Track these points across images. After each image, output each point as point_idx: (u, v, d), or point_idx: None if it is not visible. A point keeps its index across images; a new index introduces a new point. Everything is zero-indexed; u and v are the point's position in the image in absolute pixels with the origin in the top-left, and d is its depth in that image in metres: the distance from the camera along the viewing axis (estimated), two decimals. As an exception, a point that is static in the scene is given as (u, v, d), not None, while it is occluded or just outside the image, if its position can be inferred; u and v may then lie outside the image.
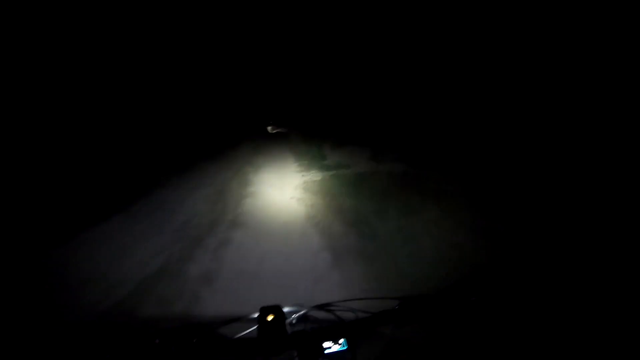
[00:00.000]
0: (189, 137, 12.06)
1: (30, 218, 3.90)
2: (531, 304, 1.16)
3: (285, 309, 0.77)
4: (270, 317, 0.70)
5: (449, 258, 2.68)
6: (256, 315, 0.72)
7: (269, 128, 31.02)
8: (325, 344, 0.75)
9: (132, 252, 3.48)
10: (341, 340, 0.76)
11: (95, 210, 4.62)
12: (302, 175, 7.62)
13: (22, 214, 3.93)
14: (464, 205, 4.05)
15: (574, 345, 1.04)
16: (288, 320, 0.82)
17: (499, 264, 2.14)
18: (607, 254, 1.98)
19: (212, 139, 13.79)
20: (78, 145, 7.18)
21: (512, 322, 0.93)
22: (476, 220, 3.40)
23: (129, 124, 9.95)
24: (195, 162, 8.83)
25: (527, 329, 0.97)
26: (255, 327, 0.71)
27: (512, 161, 4.64)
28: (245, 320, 0.78)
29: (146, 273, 2.94)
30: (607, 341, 1.00)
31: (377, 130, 9.49)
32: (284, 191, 6.34)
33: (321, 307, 0.86)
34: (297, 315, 0.85)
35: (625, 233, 2.14)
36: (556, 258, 2.11)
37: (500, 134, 5.31)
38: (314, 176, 7.40)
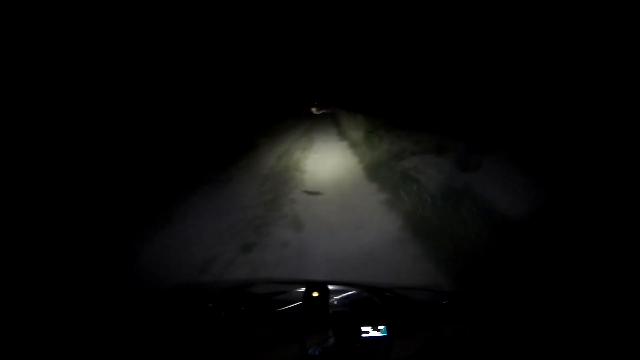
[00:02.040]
0: (234, 127, 12.08)
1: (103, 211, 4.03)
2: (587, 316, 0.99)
3: (331, 288, 0.76)
4: (315, 294, 0.70)
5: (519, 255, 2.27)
6: (302, 289, 0.73)
7: (314, 109, 30.95)
8: (365, 328, 0.74)
9: (200, 234, 3.57)
10: (381, 327, 0.74)
11: (158, 205, 4.62)
12: (356, 153, 7.81)
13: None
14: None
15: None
16: (332, 300, 0.81)
17: (570, 269, 1.89)
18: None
19: (260, 124, 13.83)
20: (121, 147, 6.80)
21: (569, 333, 0.84)
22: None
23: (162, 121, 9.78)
24: (244, 151, 8.80)
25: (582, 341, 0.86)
26: (300, 302, 0.72)
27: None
28: (292, 294, 0.79)
29: (209, 253, 2.99)
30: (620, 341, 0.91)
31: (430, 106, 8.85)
32: (342, 168, 6.50)
33: (367, 290, 0.85)
34: (341, 295, 0.84)
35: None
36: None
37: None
38: (369, 153, 7.31)
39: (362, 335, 0.74)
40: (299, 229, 3.44)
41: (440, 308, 0.77)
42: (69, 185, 4.20)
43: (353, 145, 8.79)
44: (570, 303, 0.86)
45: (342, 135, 11.51)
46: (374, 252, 2.82)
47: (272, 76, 20.96)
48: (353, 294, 0.86)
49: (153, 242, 3.24)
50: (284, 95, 22.82)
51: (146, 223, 3.66)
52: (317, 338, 0.74)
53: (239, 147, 8.63)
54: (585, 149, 3.16)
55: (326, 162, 7.08)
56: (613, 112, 3.39)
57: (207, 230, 3.50)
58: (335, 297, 0.84)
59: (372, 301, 0.84)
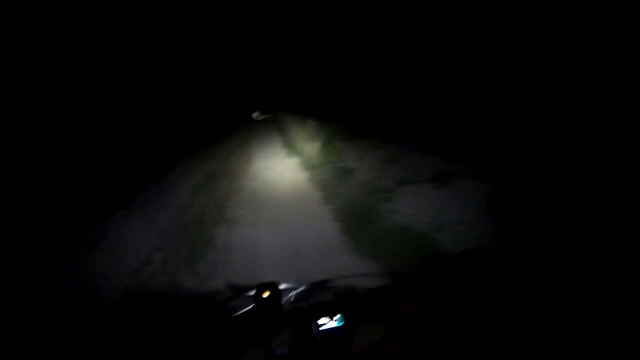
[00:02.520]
0: (174, 132, 12.17)
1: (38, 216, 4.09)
2: (533, 290, 1.07)
3: (283, 286, 0.77)
4: (265, 294, 0.69)
5: (455, 236, 2.55)
6: (252, 292, 0.72)
7: (255, 115, 30.46)
8: (321, 321, 0.76)
9: (135, 241, 3.56)
10: (337, 316, 0.77)
11: (99, 206, 4.77)
12: (294, 156, 7.65)
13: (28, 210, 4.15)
14: (472, 183, 3.66)
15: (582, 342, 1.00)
16: (286, 298, 0.82)
17: (507, 243, 2.07)
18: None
19: (200, 132, 14.00)
20: (72, 144, 7.31)
21: (514, 305, 0.92)
22: (486, 197, 3.13)
23: (111, 122, 9.92)
24: (184, 156, 8.98)
25: (528, 312, 0.96)
26: (252, 305, 0.71)
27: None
28: (243, 298, 0.77)
29: (145, 259, 2.94)
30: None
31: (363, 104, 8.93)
32: (280, 171, 6.42)
33: (317, 284, 0.86)
34: (295, 292, 0.84)
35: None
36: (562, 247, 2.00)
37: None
38: (309, 156, 7.18)
39: (320, 328, 0.76)
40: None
41: (388, 290, 0.74)
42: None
43: (306, 164, 6.82)
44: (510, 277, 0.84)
45: (288, 147, 10.09)
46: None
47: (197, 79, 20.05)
48: (304, 289, 0.86)
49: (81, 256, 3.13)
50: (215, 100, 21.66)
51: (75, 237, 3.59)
52: (281, 338, 0.76)
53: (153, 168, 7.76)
54: (577, 152, 3.21)
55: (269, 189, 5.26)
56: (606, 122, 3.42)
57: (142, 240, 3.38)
58: (289, 295, 0.84)
59: (323, 293, 0.85)
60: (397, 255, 2.45)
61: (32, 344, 0.87)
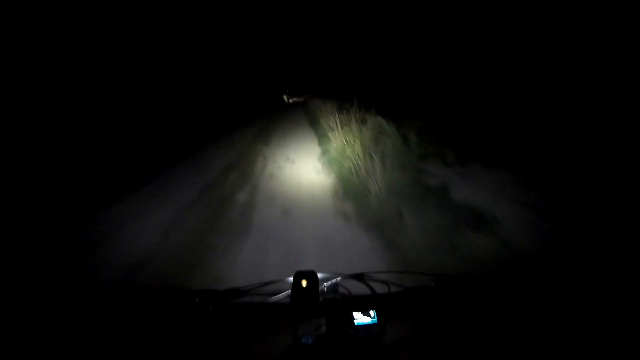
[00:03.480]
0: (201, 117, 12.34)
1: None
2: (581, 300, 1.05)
3: (320, 275, 0.74)
4: (304, 282, 0.68)
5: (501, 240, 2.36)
6: (291, 279, 0.71)
7: (285, 97, 30.69)
8: (356, 315, 0.75)
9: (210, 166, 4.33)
10: (371, 312, 0.76)
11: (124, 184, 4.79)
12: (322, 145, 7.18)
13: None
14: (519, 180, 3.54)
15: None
16: (321, 287, 0.80)
17: (553, 251, 1.98)
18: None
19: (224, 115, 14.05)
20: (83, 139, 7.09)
21: (556, 313, 0.90)
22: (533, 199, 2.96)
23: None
24: (211, 140, 8.84)
25: (572, 323, 0.93)
26: (289, 291, 0.70)
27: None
28: (280, 284, 0.77)
29: (180, 243, 2.91)
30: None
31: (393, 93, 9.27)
32: (309, 159, 6.06)
33: (355, 276, 0.84)
34: (331, 282, 0.83)
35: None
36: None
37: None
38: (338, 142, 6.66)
39: (354, 321, 0.75)
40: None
41: (427, 291, 0.72)
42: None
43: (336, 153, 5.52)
44: (553, 286, 0.84)
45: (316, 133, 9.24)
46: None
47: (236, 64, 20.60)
48: (341, 280, 0.83)
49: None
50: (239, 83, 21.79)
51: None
52: (309, 326, 0.75)
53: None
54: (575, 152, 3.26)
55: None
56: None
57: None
58: (325, 285, 0.82)
59: (361, 287, 0.82)
60: (440, 256, 2.37)
61: (36, 341, 0.94)
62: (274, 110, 18.46)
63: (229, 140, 8.40)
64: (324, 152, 5.79)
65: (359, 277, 0.82)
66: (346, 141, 5.01)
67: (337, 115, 6.47)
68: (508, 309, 0.83)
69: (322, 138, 6.86)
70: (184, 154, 6.68)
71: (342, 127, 5.67)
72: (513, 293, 0.74)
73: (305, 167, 5.12)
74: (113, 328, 0.87)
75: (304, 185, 4.26)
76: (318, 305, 0.67)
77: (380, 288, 0.80)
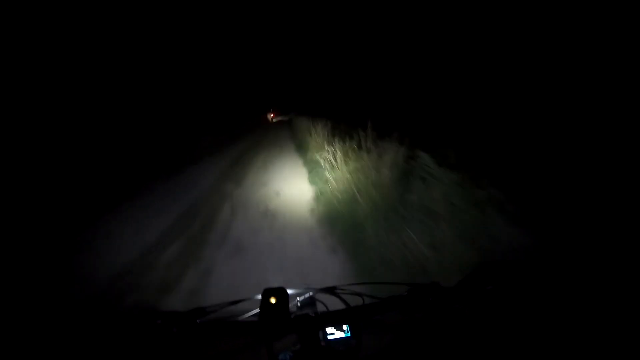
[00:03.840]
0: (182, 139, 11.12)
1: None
2: (554, 299, 1.03)
3: (290, 291, 0.71)
4: (273, 299, 0.66)
5: (466, 245, 2.23)
6: (259, 296, 0.68)
7: (270, 116, 29.30)
8: (329, 330, 0.73)
9: (131, 239, 3.31)
10: (344, 327, 0.74)
11: (97, 203, 4.62)
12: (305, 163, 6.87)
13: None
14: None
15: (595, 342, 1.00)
16: (292, 304, 0.79)
17: (520, 252, 1.98)
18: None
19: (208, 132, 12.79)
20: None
21: (530, 316, 0.84)
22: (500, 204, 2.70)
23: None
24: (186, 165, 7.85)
25: (547, 325, 0.89)
26: (258, 309, 0.67)
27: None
28: (248, 302, 0.75)
29: (145, 259, 2.87)
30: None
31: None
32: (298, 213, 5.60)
33: (327, 290, 0.82)
34: (302, 297, 0.81)
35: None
36: (583, 249, 1.92)
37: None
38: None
39: (328, 336, 0.72)
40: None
41: (400, 301, 0.71)
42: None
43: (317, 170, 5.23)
44: (524, 287, 0.81)
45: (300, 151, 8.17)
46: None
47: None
48: (311, 296, 0.82)
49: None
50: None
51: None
52: (283, 343, 0.72)
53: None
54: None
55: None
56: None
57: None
58: (296, 300, 0.80)
59: (333, 301, 0.81)
60: (411, 266, 2.26)
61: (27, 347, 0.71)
62: (253, 131, 16.52)
63: (189, 176, 6.32)
64: (321, 203, 3.91)
65: (330, 290, 0.83)
66: (358, 190, 3.24)
67: (334, 141, 4.77)
68: (481, 315, 0.80)
69: (314, 176, 5.04)
70: (113, 204, 4.74)
71: (344, 162, 3.93)
72: (485, 299, 0.72)
73: (293, 231, 3.27)
74: (71, 349, 0.71)
75: (293, 271, 2.57)
76: (289, 322, 0.66)
77: (352, 300, 0.80)
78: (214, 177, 6.15)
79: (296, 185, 4.97)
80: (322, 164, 4.64)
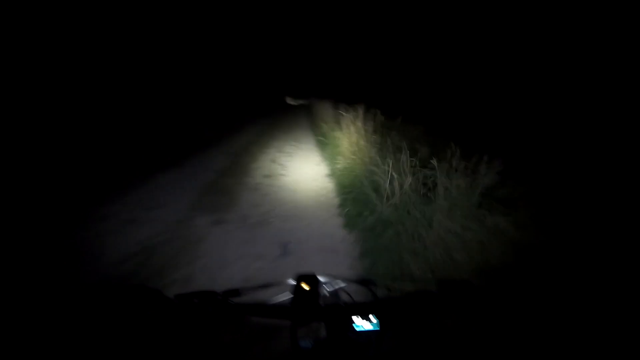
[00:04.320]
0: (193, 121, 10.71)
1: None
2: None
3: (321, 279, 0.75)
4: (305, 285, 0.69)
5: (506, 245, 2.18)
6: (292, 281, 0.72)
7: (289, 99, 28.84)
8: (356, 320, 0.71)
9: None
10: (373, 318, 0.72)
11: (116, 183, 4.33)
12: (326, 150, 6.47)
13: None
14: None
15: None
16: (322, 292, 0.79)
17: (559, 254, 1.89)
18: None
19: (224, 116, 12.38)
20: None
21: (556, 318, 0.91)
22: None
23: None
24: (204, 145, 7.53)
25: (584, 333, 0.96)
26: (290, 294, 0.70)
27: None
28: (281, 286, 0.77)
29: (177, 243, 2.77)
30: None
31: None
32: (310, 167, 5.54)
33: (357, 281, 0.84)
34: (332, 287, 0.82)
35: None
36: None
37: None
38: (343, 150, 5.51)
39: (354, 327, 0.71)
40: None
41: (429, 297, 0.72)
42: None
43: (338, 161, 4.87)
44: (557, 298, 0.91)
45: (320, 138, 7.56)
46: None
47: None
48: (344, 286, 0.83)
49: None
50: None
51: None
52: (309, 330, 0.73)
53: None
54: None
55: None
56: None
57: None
58: (326, 289, 0.81)
59: (363, 293, 0.83)
60: (445, 264, 2.17)
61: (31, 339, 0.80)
62: (266, 117, 14.75)
63: (177, 176, 4.82)
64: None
65: (361, 282, 0.83)
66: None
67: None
68: (509, 314, 0.83)
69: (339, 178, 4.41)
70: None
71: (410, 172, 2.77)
72: (515, 298, 0.79)
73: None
74: (113, 328, 0.80)
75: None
76: (319, 309, 0.68)
77: (382, 294, 0.81)
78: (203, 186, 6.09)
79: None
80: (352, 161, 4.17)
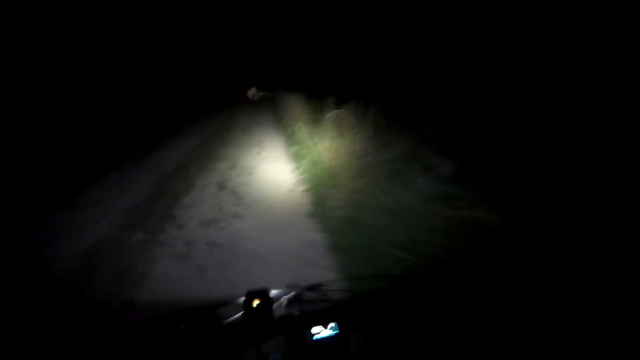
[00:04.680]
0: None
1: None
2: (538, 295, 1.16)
3: (274, 292, 0.75)
4: (255, 302, 0.67)
5: (451, 236, 2.37)
6: (242, 299, 0.69)
7: (250, 93, 26.14)
8: (315, 329, 0.71)
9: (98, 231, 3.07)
10: (332, 324, 0.72)
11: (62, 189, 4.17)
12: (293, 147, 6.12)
13: None
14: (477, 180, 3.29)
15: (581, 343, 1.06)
16: (277, 303, 0.78)
17: (507, 243, 1.94)
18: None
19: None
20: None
21: (517, 309, 0.95)
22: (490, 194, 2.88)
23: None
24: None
25: (530, 319, 1.00)
26: (241, 313, 0.69)
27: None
28: (231, 306, 0.74)
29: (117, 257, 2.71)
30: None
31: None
32: (273, 165, 5.42)
33: (312, 287, 0.82)
34: (287, 297, 0.79)
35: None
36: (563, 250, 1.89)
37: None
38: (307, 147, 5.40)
39: (314, 335, 0.70)
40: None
41: (384, 294, 0.75)
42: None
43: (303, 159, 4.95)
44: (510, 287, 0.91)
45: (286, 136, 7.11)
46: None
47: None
48: (296, 295, 0.79)
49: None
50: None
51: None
52: (273, 343, 0.70)
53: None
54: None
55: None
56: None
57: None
58: (280, 301, 0.77)
59: (316, 298, 0.81)
60: (394, 258, 2.33)
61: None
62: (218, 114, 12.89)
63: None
64: None
65: (316, 287, 0.83)
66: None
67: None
68: (465, 306, 0.85)
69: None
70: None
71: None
72: (469, 289, 0.72)
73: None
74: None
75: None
76: (274, 324, 0.67)
77: (338, 296, 0.82)
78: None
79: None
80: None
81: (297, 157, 5.41)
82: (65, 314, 1.88)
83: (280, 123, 9.16)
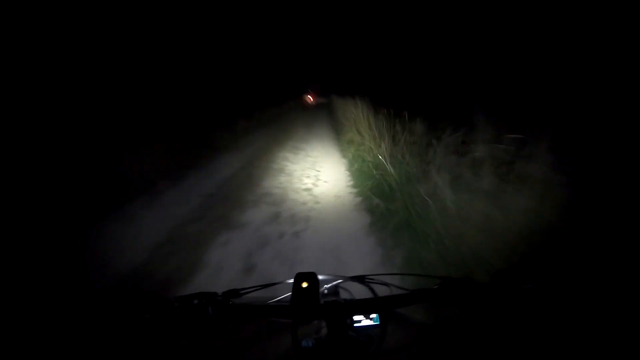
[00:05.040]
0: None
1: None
2: (598, 302, 1.04)
3: (321, 277, 0.72)
4: (304, 284, 0.67)
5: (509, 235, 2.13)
6: (291, 280, 0.70)
7: (309, 97, 26.35)
8: (356, 317, 0.74)
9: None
10: (373, 315, 0.75)
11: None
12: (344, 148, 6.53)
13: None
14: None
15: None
16: (322, 290, 0.80)
17: (566, 247, 1.72)
18: None
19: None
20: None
21: (570, 318, 0.87)
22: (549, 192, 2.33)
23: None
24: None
25: (587, 328, 0.92)
26: (290, 293, 0.69)
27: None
28: (281, 286, 0.78)
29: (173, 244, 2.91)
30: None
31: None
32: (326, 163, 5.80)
33: (356, 279, 0.84)
34: (332, 285, 0.83)
35: None
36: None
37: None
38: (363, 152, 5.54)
39: (355, 324, 0.73)
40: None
41: (430, 294, 0.70)
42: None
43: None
44: (564, 287, 0.81)
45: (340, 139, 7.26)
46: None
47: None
48: (343, 282, 0.83)
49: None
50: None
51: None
52: (309, 329, 0.74)
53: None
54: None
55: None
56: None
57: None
58: (326, 287, 0.81)
59: (362, 290, 0.82)
60: (446, 258, 2.30)
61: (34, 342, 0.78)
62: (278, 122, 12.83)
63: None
64: None
65: (360, 279, 0.84)
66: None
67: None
68: (512, 313, 0.82)
69: None
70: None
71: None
72: (518, 296, 0.70)
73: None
74: (111, 334, 0.75)
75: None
76: (319, 308, 0.67)
77: (382, 290, 0.81)
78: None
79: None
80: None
81: (351, 158, 5.76)
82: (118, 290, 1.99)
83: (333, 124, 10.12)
